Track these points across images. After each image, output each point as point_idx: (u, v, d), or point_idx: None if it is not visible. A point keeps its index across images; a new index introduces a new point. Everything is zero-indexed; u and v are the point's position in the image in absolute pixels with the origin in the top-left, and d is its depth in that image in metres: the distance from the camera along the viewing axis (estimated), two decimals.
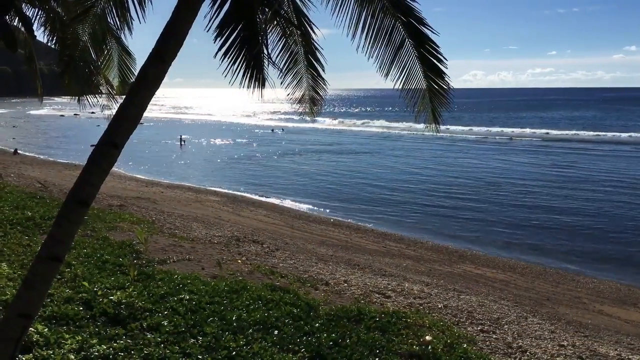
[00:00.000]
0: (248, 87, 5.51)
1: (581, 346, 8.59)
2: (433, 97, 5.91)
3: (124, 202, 18.67)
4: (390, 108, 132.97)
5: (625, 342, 9.81)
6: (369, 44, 5.86)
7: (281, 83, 6.70)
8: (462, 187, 30.83)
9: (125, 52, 8.75)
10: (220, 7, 5.15)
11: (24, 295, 4.52)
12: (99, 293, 7.17)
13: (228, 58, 5.29)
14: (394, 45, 5.81)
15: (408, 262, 15.67)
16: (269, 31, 5.92)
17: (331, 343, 6.55)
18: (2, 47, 7.94)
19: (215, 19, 5.17)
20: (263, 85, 5.61)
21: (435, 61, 5.70)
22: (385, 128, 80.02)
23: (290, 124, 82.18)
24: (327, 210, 24.76)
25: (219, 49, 5.23)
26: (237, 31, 5.22)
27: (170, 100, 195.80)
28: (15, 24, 9.03)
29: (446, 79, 5.79)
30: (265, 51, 5.48)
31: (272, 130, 74.70)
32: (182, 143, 54.63)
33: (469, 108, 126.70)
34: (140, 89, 4.60)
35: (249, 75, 5.43)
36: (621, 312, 13.14)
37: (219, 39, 5.21)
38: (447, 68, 5.73)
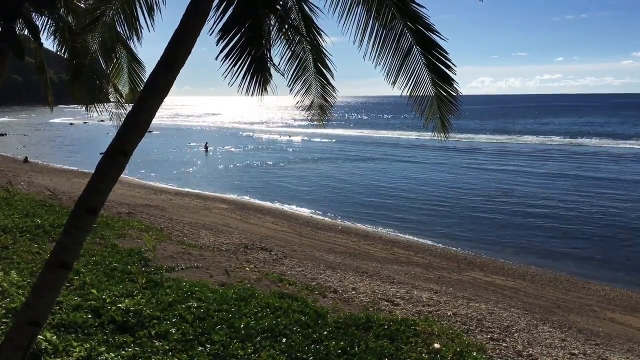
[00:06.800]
0: (247, 91, 5.47)
1: (592, 354, 8.50)
2: (441, 104, 5.87)
3: (133, 209, 18.73)
4: (398, 115, 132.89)
5: (638, 351, 9.70)
6: (376, 51, 5.85)
7: (290, 91, 6.71)
8: (471, 194, 30.69)
9: (134, 60, 8.81)
10: (225, 10, 5.16)
11: (32, 303, 4.53)
12: (108, 301, 7.17)
13: (229, 60, 5.26)
14: (401, 52, 5.79)
15: (417, 270, 15.59)
16: (277, 38, 5.93)
17: (340, 351, 6.51)
18: (12, 56, 8.02)
19: (219, 22, 5.17)
20: (265, 88, 5.57)
21: (443, 68, 5.67)
22: (393, 135, 80.00)
23: (298, 131, 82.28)
24: (335, 217, 24.72)
25: (221, 51, 5.22)
26: (240, 34, 5.21)
27: (178, 108, 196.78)
28: (25, 33, 9.10)
29: (455, 85, 5.75)
30: (267, 54, 5.45)
31: (280, 136, 74.99)
32: (207, 150, 55.64)
33: (477, 115, 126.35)
34: (149, 96, 4.62)
35: (249, 77, 5.39)
36: (632, 319, 13.00)
37: (221, 41, 5.20)
38: (455, 74, 5.69)
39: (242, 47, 5.23)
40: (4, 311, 6.39)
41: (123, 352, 5.84)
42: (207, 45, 9.35)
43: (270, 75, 5.54)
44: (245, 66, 5.30)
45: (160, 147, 56.15)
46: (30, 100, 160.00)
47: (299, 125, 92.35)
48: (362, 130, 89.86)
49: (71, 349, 5.70)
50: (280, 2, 5.71)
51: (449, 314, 9.61)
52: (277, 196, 29.87)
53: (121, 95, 9.79)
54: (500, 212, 25.99)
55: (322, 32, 6.25)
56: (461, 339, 7.76)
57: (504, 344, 8.19)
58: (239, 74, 5.32)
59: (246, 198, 29.04)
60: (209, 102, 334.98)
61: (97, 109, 10.18)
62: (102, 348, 5.81)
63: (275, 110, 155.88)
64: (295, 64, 6.58)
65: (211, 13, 4.93)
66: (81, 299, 7.24)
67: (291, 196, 30.09)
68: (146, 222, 15.92)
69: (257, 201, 28.23)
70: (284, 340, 6.65)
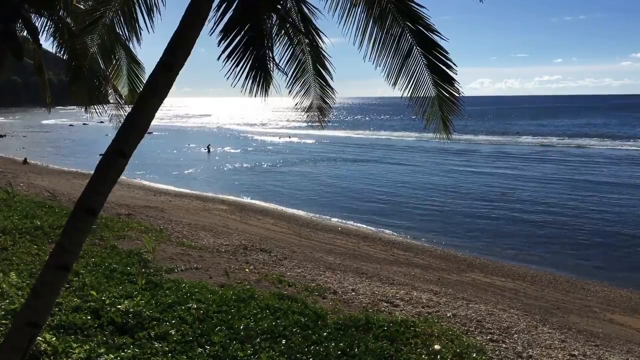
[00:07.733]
0: (251, 91, 5.47)
1: (592, 355, 8.50)
2: (443, 105, 5.87)
3: (132, 210, 18.72)
4: (397, 116, 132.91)
5: (637, 352, 9.68)
6: (376, 52, 5.85)
7: (289, 92, 6.70)
8: (470, 195, 30.67)
9: (134, 61, 8.81)
10: (225, 11, 5.15)
11: (32, 304, 4.53)
12: (107, 302, 7.16)
13: (232, 60, 5.25)
14: (401, 53, 5.79)
15: (416, 271, 15.57)
16: (276, 39, 5.93)
17: (339, 352, 6.51)
18: (12, 57, 8.02)
19: (220, 22, 5.16)
20: (267, 88, 5.57)
21: (444, 68, 5.66)
22: (392, 136, 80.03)
23: (297, 133, 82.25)
24: (335, 219, 24.69)
25: (223, 51, 5.21)
26: (242, 33, 5.20)
27: (178, 109, 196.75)
28: (24, 34, 9.09)
29: (456, 85, 5.74)
30: (270, 54, 5.45)
31: (280, 137, 75.04)
32: (209, 151, 55.82)
33: (476, 116, 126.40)
34: (149, 97, 4.62)
35: (252, 77, 5.38)
36: (632, 320, 12.99)
37: (223, 41, 5.19)
38: (456, 74, 5.69)
39: (244, 47, 5.22)
40: (3, 312, 6.38)
41: (122, 353, 5.83)
42: (206, 47, 9.35)
43: (271, 77, 5.54)
44: (248, 66, 5.31)
45: (160, 148, 56.14)
46: (28, 102, 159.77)
47: (297, 126, 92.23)
48: (361, 132, 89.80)
49: (70, 350, 5.70)
50: (281, 2, 5.71)
51: (448, 315, 9.61)
52: (276, 197, 29.83)
53: (120, 97, 9.78)
54: (499, 214, 25.96)
55: (321, 34, 6.26)
56: (461, 340, 7.76)
57: (504, 345, 8.18)
58: (241, 74, 5.32)
59: (246, 199, 29.01)
60: (209, 103, 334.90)
61: (97, 110, 10.18)
62: (101, 349, 5.81)
63: (274, 111, 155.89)
64: (295, 66, 6.58)
65: (211, 14, 4.93)
66: (81, 300, 7.24)
67: (290, 197, 30.06)
68: (146, 223, 15.91)
69: (256, 202, 28.18)
70: (283, 341, 6.65)
